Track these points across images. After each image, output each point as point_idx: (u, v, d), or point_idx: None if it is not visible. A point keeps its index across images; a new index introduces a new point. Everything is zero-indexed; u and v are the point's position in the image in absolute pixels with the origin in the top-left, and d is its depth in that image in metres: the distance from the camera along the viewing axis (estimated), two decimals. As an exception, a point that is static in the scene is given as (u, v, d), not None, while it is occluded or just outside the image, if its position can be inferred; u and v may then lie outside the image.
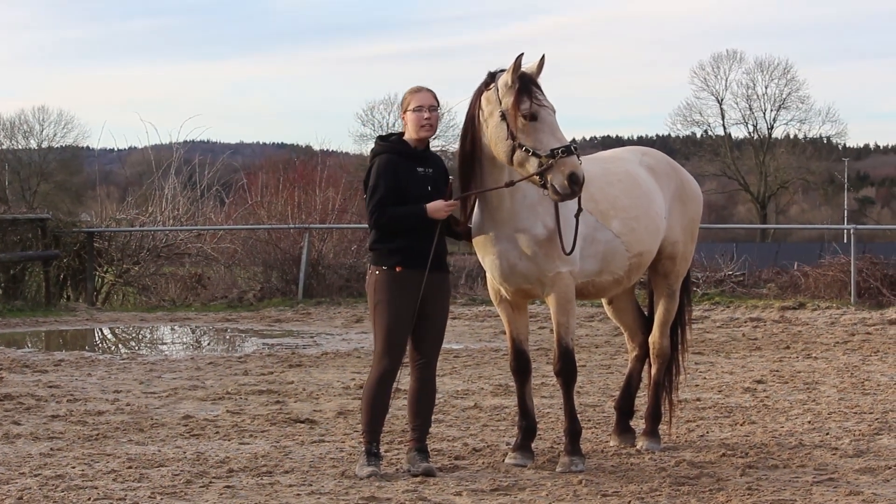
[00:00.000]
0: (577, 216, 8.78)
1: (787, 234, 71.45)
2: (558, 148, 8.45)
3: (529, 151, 8.51)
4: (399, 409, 10.56)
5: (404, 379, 9.11)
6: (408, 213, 8.71)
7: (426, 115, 8.81)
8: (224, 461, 9.34)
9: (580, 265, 9.14)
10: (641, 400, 10.50)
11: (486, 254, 9.11)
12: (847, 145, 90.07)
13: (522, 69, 8.69)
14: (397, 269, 8.75)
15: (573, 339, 9.21)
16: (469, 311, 23.13)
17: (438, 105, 8.93)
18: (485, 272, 9.46)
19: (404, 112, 8.90)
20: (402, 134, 8.96)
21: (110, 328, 21.43)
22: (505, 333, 9.58)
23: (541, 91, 8.65)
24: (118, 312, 24.00)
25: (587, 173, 9.34)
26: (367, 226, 9.28)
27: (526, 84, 8.62)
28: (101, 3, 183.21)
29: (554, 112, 8.64)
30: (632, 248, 9.50)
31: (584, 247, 9.17)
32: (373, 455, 8.80)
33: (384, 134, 9.19)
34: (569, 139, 8.57)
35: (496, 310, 9.71)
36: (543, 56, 8.77)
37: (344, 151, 68.10)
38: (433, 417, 10.37)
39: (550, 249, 8.94)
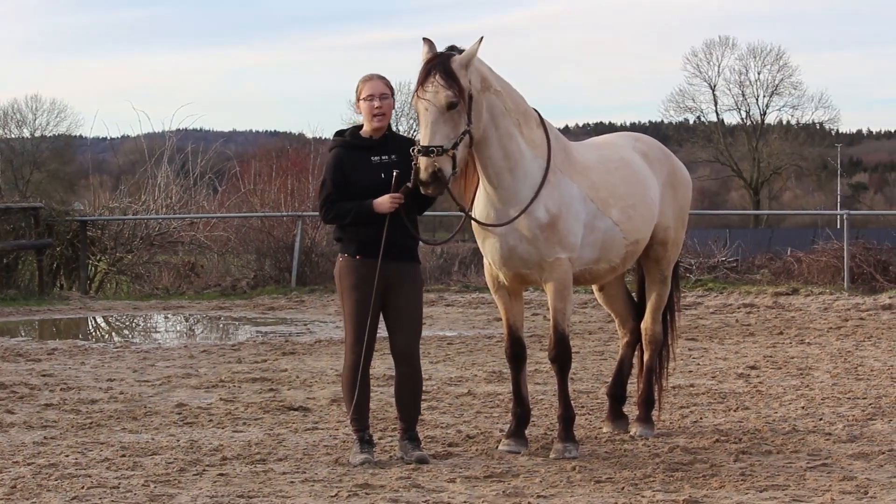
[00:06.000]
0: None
1: (781, 219, 71.49)
2: (417, 147, 8.49)
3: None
4: (392, 396, 10.54)
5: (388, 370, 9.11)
6: (353, 208, 8.72)
7: (377, 103, 8.78)
8: (217, 449, 9.34)
9: (579, 252, 9.13)
10: (634, 386, 10.49)
11: (486, 236, 9.09)
12: (840, 131, 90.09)
13: (441, 51, 8.61)
14: (357, 258, 8.77)
15: (569, 325, 9.21)
16: (462, 298, 23.10)
17: (392, 92, 8.90)
18: (480, 259, 9.46)
19: (358, 101, 8.90)
20: (361, 126, 8.96)
21: (104, 317, 21.41)
22: (500, 321, 9.58)
23: (440, 78, 8.45)
24: (111, 301, 23.97)
25: (585, 161, 9.36)
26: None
27: (422, 74, 8.56)
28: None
29: (438, 104, 8.44)
30: (629, 236, 9.50)
31: (584, 234, 9.16)
32: (366, 442, 8.81)
33: (342, 128, 9.16)
34: (458, 134, 8.45)
35: (490, 297, 9.72)
36: (481, 38, 8.59)
37: (337, 139, 67.95)
38: (426, 405, 10.40)
39: (551, 234, 8.93)
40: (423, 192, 8.53)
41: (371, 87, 8.80)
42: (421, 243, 9.27)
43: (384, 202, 8.64)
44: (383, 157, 8.78)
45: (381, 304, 8.84)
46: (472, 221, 9.10)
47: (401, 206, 8.66)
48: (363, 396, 8.86)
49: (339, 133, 9.03)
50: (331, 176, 8.82)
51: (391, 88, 8.87)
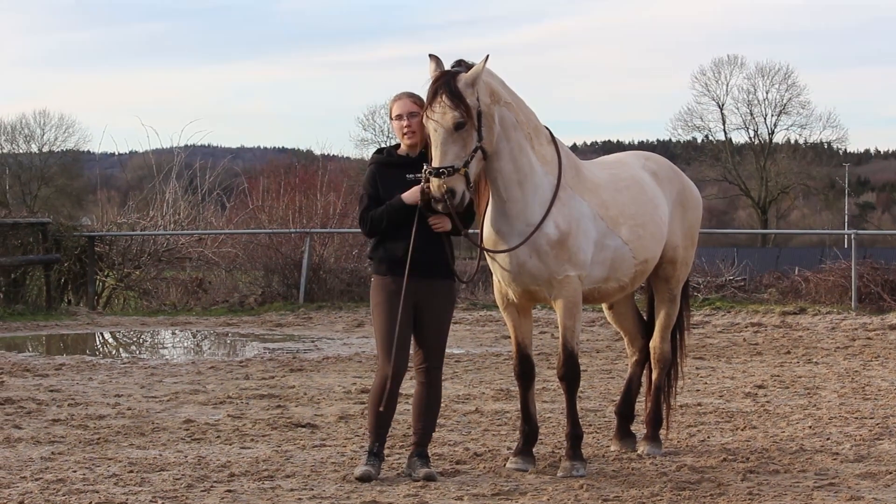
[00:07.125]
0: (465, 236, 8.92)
1: (788, 238, 71.41)
2: (428, 168, 8.54)
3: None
4: (401, 413, 10.55)
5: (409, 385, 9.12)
6: (384, 208, 8.80)
7: (405, 122, 8.82)
8: (225, 465, 9.34)
9: (588, 271, 9.13)
10: (642, 405, 10.49)
11: (495, 253, 9.09)
12: (848, 150, 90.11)
13: (447, 69, 8.64)
14: (387, 276, 8.84)
15: (578, 343, 9.21)
16: (470, 315, 23.10)
17: (421, 109, 8.90)
18: (488, 276, 9.46)
19: (391, 120, 8.98)
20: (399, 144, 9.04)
21: (111, 332, 21.42)
22: (508, 338, 9.58)
23: (446, 98, 8.48)
24: (119, 317, 23.99)
25: (595, 179, 9.37)
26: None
27: (429, 94, 8.59)
28: (102, 8, 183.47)
29: (446, 125, 8.47)
30: (638, 256, 9.50)
31: (594, 253, 9.16)
32: (374, 455, 8.83)
33: (382, 147, 9.26)
34: (467, 152, 8.50)
35: (497, 314, 9.72)
36: (486, 56, 8.62)
37: (345, 156, 68.24)
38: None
39: (561, 252, 8.94)
40: (437, 209, 8.56)
41: (399, 106, 8.86)
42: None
43: (414, 192, 8.69)
44: (418, 175, 8.77)
45: (413, 321, 8.87)
46: (483, 243, 9.12)
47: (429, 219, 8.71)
48: (388, 412, 8.86)
49: (379, 151, 9.14)
50: (367, 191, 8.95)
51: (422, 105, 8.81)
